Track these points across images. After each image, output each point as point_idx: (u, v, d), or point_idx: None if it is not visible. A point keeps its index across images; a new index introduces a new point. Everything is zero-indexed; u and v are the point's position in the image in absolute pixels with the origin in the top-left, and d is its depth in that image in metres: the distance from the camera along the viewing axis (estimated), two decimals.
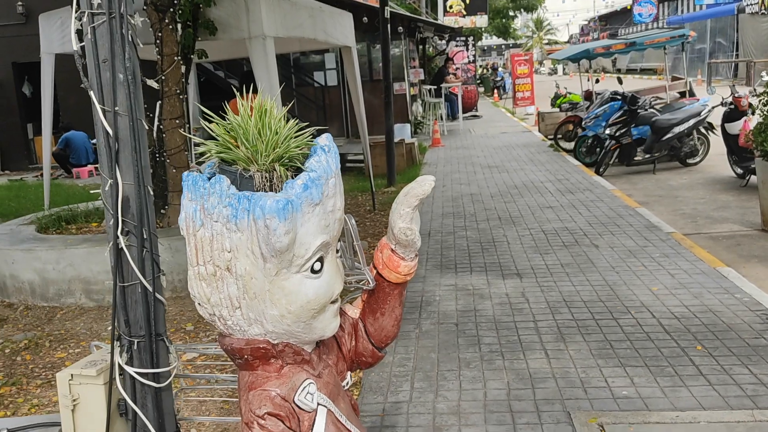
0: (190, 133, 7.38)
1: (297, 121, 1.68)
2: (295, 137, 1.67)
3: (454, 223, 7.45)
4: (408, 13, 17.38)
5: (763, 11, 27.29)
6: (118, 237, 1.96)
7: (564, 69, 48.82)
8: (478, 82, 32.22)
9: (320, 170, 1.62)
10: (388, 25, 10.78)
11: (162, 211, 6.26)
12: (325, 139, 1.69)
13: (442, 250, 6.34)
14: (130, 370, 2.02)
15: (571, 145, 12.09)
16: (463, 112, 19.82)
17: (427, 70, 20.58)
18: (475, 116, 21.44)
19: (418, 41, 18.96)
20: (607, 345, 3.97)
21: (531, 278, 5.31)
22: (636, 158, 10.43)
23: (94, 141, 14.16)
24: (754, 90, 7.10)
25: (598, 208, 7.62)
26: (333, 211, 1.67)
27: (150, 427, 2.05)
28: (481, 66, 44.60)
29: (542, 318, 4.46)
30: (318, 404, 1.71)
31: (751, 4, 28.13)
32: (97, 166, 12.44)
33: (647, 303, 4.57)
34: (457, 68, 20.90)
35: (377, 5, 11.76)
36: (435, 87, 17.77)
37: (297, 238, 1.59)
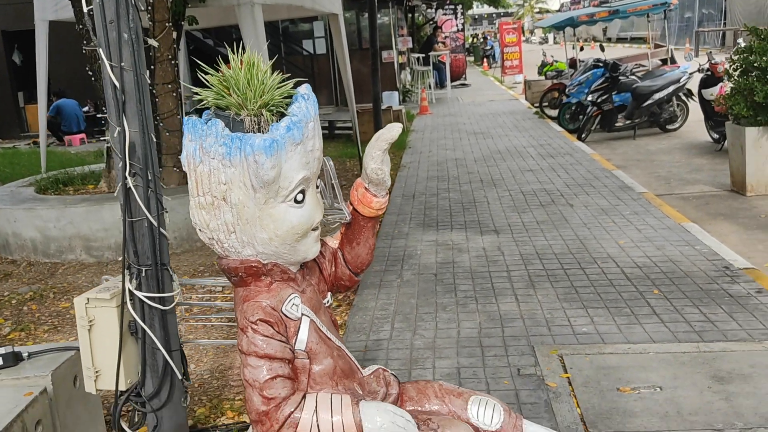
0: (181, 99, 7.61)
1: (279, 72, 1.96)
2: (279, 87, 1.94)
3: (437, 185, 7.74)
4: None
5: None
6: (126, 178, 2.24)
7: (555, 38, 48.73)
8: (468, 51, 32.28)
9: (301, 115, 1.90)
10: None
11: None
12: (305, 89, 1.97)
13: (425, 210, 6.64)
14: (139, 294, 2.32)
15: (556, 112, 12.35)
16: (452, 81, 20.00)
17: (415, 39, 20.68)
18: (463, 85, 21.62)
19: (406, 9, 19.05)
20: (572, 291, 4.30)
21: (507, 234, 5.63)
22: (617, 124, 10.71)
23: (85, 108, 14.31)
24: (731, 57, 7.36)
25: (576, 170, 7.93)
26: (312, 150, 1.95)
27: (158, 344, 2.35)
28: (471, 35, 44.51)
29: (515, 268, 4.79)
30: (302, 314, 2.01)
31: None
32: (103, 133, 12.47)
33: (613, 254, 4.91)
34: (446, 37, 21.02)
35: None
36: (423, 55, 17.92)
37: (282, 172, 1.87)
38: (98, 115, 8.14)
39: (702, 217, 6.11)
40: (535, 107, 13.97)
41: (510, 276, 4.65)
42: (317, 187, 2.08)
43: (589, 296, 4.19)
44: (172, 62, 6.36)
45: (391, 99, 13.77)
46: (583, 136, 10.59)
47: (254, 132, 1.88)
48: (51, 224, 5.60)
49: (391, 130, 2.11)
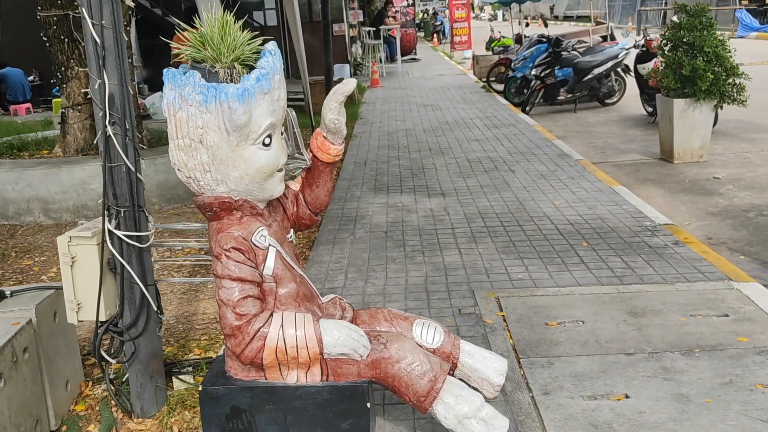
0: (133, 65, 7.68)
1: (248, 31, 2.23)
2: (249, 44, 2.22)
3: (388, 153, 8.06)
4: None
5: None
6: (106, 126, 2.47)
7: (503, 15, 49.30)
8: (418, 26, 32.47)
9: (268, 68, 2.18)
10: None
11: None
12: (272, 45, 2.25)
13: (376, 176, 6.95)
14: (118, 233, 2.56)
15: (502, 87, 12.77)
16: (402, 55, 20.25)
17: (366, 13, 20.80)
18: (413, 59, 21.88)
19: None
20: (510, 244, 4.69)
21: (453, 197, 6.00)
22: (559, 98, 11.19)
23: (30, 78, 14.02)
24: (664, 33, 7.84)
25: (519, 140, 8.35)
26: (278, 99, 2.24)
27: (136, 278, 2.60)
28: (422, 11, 44.62)
29: (459, 226, 5.16)
30: (269, 245, 2.31)
31: None
32: (50, 102, 12.24)
33: (549, 213, 5.33)
34: (396, 11, 21.19)
35: None
36: (374, 29, 18.09)
37: (252, 117, 2.16)
38: (52, 81, 8.12)
39: (632, 182, 6.60)
40: (483, 81, 14.37)
41: (454, 232, 5.01)
42: (282, 134, 2.36)
43: (525, 249, 4.59)
44: (127, 28, 6.45)
45: (342, 71, 13.96)
46: (527, 108, 11.04)
47: (228, 82, 2.15)
48: (9, 187, 5.69)
49: (347, 85, 2.41)
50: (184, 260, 4.16)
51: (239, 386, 2.31)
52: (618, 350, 3.19)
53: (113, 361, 2.75)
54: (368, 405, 2.33)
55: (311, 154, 2.53)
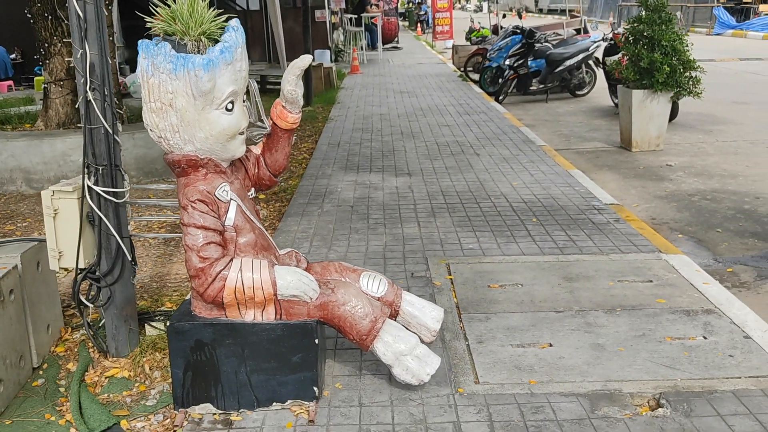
0: (115, 45, 7.90)
1: (214, 8, 2.53)
2: (214, 20, 2.52)
3: (362, 136, 8.37)
4: None
5: None
6: (87, 92, 2.76)
7: (489, 6, 49.63)
8: (403, 15, 32.68)
9: (231, 41, 2.49)
10: None
11: None
12: (235, 22, 2.56)
13: (348, 156, 7.27)
14: (96, 188, 2.86)
15: (479, 76, 13.10)
16: (384, 43, 20.50)
17: (349, 0, 20.99)
18: (395, 47, 22.14)
19: None
20: (466, 219, 5.04)
21: (419, 176, 6.33)
22: (532, 88, 11.55)
23: (13, 56, 14.11)
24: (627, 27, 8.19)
25: (488, 126, 8.70)
26: (240, 70, 2.55)
27: (112, 230, 2.90)
28: (406, 1, 44.76)
29: (421, 202, 5.50)
30: (231, 199, 2.63)
31: None
32: (32, 81, 12.33)
33: (505, 192, 5.68)
34: None
35: None
36: (356, 16, 18.31)
37: (216, 85, 2.46)
38: (35, 57, 8.32)
39: (590, 168, 6.98)
40: (460, 71, 14.69)
41: (416, 208, 5.35)
42: (243, 101, 2.67)
43: (479, 223, 4.94)
44: (109, 8, 6.68)
45: (322, 57, 14.20)
46: (501, 98, 11.38)
47: (195, 53, 2.45)
48: None
49: (303, 60, 2.73)
50: (159, 222, 4.44)
51: (203, 322, 2.63)
52: (549, 308, 3.55)
53: (91, 306, 3.05)
54: (316, 341, 2.66)
55: (271, 122, 2.84)
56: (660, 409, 2.68)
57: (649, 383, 2.84)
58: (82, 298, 3.02)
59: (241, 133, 2.62)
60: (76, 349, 3.21)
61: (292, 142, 2.94)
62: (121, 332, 3.07)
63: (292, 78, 2.73)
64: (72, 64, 2.69)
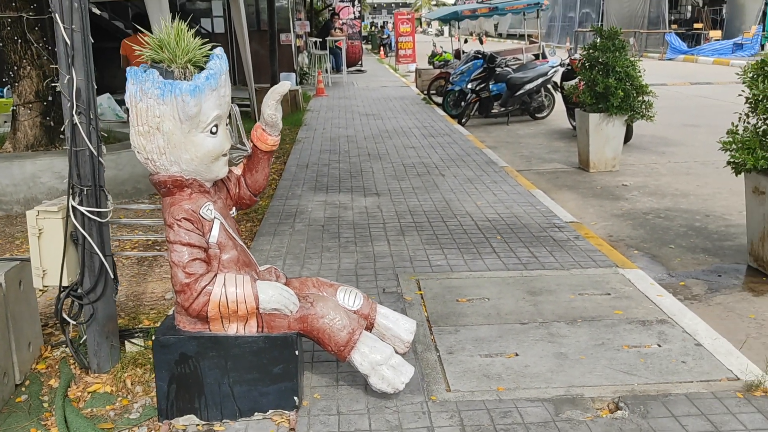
0: None
1: (199, 37, 2.68)
2: (200, 48, 2.67)
3: (329, 157, 8.53)
4: None
5: None
6: (73, 115, 2.87)
7: (450, 31, 50.63)
8: (366, 39, 33.14)
9: (216, 68, 2.64)
10: None
11: (61, 136, 6.89)
12: (219, 51, 2.71)
13: (317, 177, 7.42)
14: (81, 208, 2.95)
15: (442, 99, 13.42)
16: (348, 66, 20.78)
17: (313, 24, 21.27)
18: (359, 71, 22.45)
19: None
20: (434, 237, 5.23)
21: (387, 196, 6.51)
22: (493, 111, 11.91)
23: None
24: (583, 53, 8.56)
25: (452, 148, 8.95)
26: (224, 96, 2.70)
27: (95, 248, 2.99)
28: (370, 23, 45.40)
29: (390, 221, 5.67)
30: (214, 217, 2.75)
31: None
32: None
33: (470, 212, 5.89)
34: (343, 23, 21.74)
35: None
36: (320, 40, 18.57)
37: (202, 110, 2.61)
38: (3, 79, 8.29)
39: (550, 188, 7.25)
40: (424, 94, 15.00)
41: (385, 227, 5.52)
42: (227, 125, 2.82)
43: (446, 241, 5.13)
44: None
45: (288, 79, 14.36)
46: (463, 120, 11.70)
47: (182, 80, 2.60)
48: None
49: (283, 86, 2.89)
50: (136, 241, 4.51)
51: (187, 336, 2.74)
52: (514, 320, 3.74)
53: (73, 322, 3.12)
54: (296, 353, 2.79)
55: (252, 144, 2.98)
56: (619, 411, 2.87)
57: (608, 388, 3.04)
58: (65, 315, 3.10)
59: (225, 155, 2.76)
60: (57, 366, 3.27)
61: (271, 163, 3.09)
62: (103, 348, 3.15)
63: (272, 102, 2.89)
64: (58, 89, 2.80)
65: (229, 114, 2.83)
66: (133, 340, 3.35)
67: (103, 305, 3.12)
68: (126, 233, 5.48)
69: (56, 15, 2.78)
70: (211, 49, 2.69)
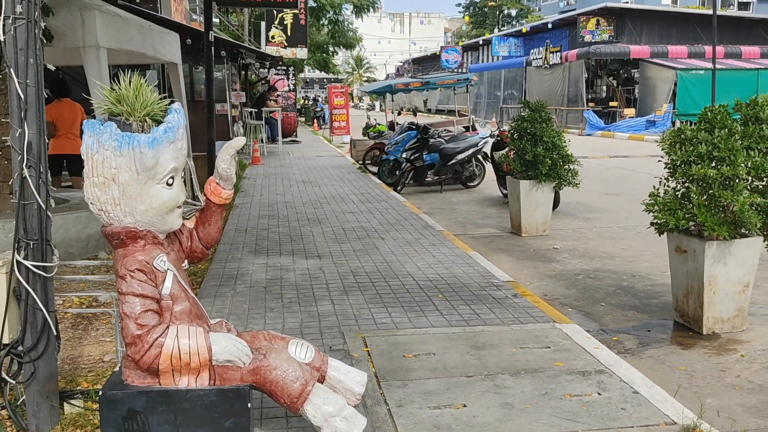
0: None
1: (159, 93, 2.75)
2: (159, 103, 2.73)
3: (268, 222, 8.55)
4: (231, 39, 18.31)
5: (545, 65, 31.78)
6: (23, 169, 2.85)
7: (381, 105, 52.12)
8: (300, 111, 33.71)
9: (174, 122, 2.70)
10: (212, 48, 11.68)
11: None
12: (177, 105, 2.78)
13: (256, 241, 7.41)
14: (26, 262, 2.89)
15: (377, 169, 13.73)
16: (284, 137, 21.03)
17: (249, 95, 21.55)
18: (294, 141, 22.73)
19: (240, 66, 19.93)
20: (377, 296, 5.29)
21: (328, 259, 6.57)
22: (427, 179, 12.27)
23: None
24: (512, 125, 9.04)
25: (390, 213, 9.14)
26: (181, 148, 2.75)
27: (39, 303, 2.92)
28: (302, 97, 46.29)
29: (333, 282, 5.71)
30: (167, 269, 2.75)
31: (537, 59, 32.61)
32: None
33: (411, 272, 6.01)
34: (278, 95, 22.12)
35: (201, 29, 12.63)
36: (256, 110, 18.80)
37: (159, 161, 2.65)
38: None
39: (486, 251, 7.48)
40: (359, 163, 15.32)
41: (328, 287, 5.55)
42: (182, 178, 2.86)
43: (390, 300, 5.20)
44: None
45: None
46: (399, 188, 11.99)
47: (139, 132, 2.65)
48: None
49: (238, 141, 2.97)
50: (77, 300, 4.38)
51: (136, 391, 2.68)
52: (461, 374, 3.81)
53: (13, 382, 2.99)
54: (249, 405, 2.76)
55: (205, 197, 3.02)
56: None
57: None
58: (4, 375, 2.97)
59: (179, 207, 2.79)
60: None
61: (223, 217, 3.12)
62: (43, 409, 3.02)
63: (227, 157, 2.96)
64: (7, 143, 2.79)
65: (185, 168, 2.88)
66: (73, 401, 3.22)
67: (45, 363, 3.01)
68: (67, 291, 5.30)
69: (11, 70, 2.80)
70: (168, 104, 2.76)
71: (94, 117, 2.68)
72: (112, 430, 2.66)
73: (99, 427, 2.93)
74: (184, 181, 2.91)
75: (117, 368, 2.91)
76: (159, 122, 2.69)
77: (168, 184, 2.70)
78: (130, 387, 2.70)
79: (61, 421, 3.11)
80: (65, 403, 3.22)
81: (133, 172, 2.60)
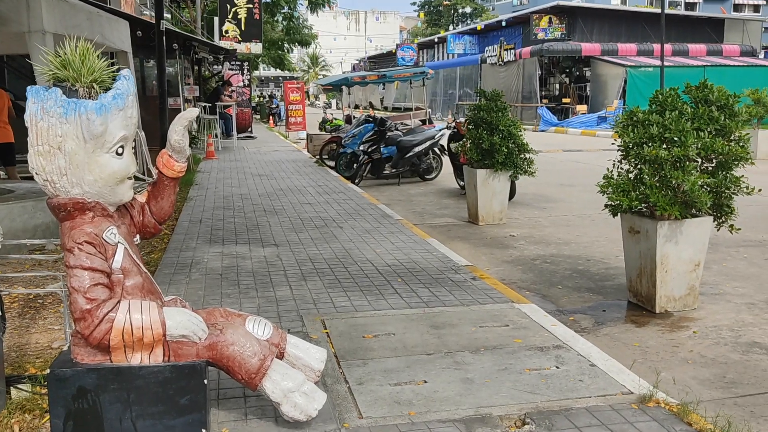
0: None
1: (106, 59, 2.65)
2: (107, 69, 2.63)
3: (224, 213, 8.40)
4: (183, 32, 17.96)
5: (500, 62, 32.14)
6: None
7: (337, 103, 51.92)
8: (255, 109, 33.33)
9: (123, 89, 2.61)
10: (164, 38, 11.43)
11: None
12: (126, 72, 2.68)
13: (211, 231, 7.27)
14: None
15: (334, 163, 13.65)
16: (238, 132, 20.74)
17: (202, 90, 21.19)
18: (249, 137, 22.44)
19: (193, 61, 19.58)
20: (336, 282, 5.24)
21: (286, 247, 6.48)
22: (385, 172, 12.24)
23: None
24: (468, 114, 9.07)
25: (348, 204, 9.08)
26: (131, 117, 2.66)
27: None
28: (258, 95, 45.80)
29: (290, 269, 5.63)
30: (118, 242, 2.66)
31: (491, 56, 32.95)
32: None
33: (370, 258, 5.98)
34: (233, 90, 21.82)
35: (152, 21, 12.35)
36: (210, 105, 18.49)
37: (108, 129, 2.56)
38: None
39: (443, 239, 7.49)
40: (316, 157, 15.20)
41: (286, 274, 5.47)
42: (133, 148, 2.76)
43: (349, 284, 5.15)
44: None
45: None
46: (357, 181, 11.93)
47: (86, 99, 2.54)
48: None
49: (191, 112, 2.89)
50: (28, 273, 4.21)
51: (85, 369, 2.57)
52: (421, 352, 3.79)
53: None
54: (205, 381, 2.68)
55: (157, 170, 2.93)
56: (526, 426, 2.96)
57: (514, 406, 3.13)
58: None
59: (130, 178, 2.70)
60: None
61: (177, 191, 3.03)
62: None
63: (179, 128, 2.87)
64: None
65: (135, 139, 2.78)
66: (20, 386, 3.09)
67: None
68: (11, 271, 5.10)
69: None
70: (117, 71, 2.66)
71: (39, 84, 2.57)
72: (61, 411, 2.55)
73: (48, 411, 2.81)
74: (135, 154, 2.80)
75: (66, 347, 2.79)
76: (107, 89, 2.59)
77: (117, 153, 2.60)
78: (79, 365, 2.60)
79: (8, 405, 2.97)
80: (12, 388, 3.08)
81: (80, 140, 2.50)
